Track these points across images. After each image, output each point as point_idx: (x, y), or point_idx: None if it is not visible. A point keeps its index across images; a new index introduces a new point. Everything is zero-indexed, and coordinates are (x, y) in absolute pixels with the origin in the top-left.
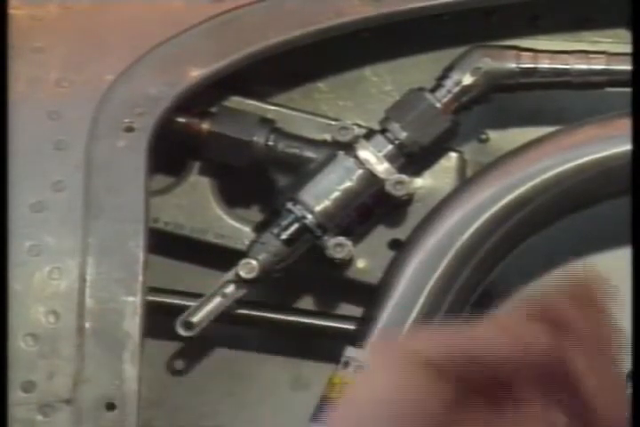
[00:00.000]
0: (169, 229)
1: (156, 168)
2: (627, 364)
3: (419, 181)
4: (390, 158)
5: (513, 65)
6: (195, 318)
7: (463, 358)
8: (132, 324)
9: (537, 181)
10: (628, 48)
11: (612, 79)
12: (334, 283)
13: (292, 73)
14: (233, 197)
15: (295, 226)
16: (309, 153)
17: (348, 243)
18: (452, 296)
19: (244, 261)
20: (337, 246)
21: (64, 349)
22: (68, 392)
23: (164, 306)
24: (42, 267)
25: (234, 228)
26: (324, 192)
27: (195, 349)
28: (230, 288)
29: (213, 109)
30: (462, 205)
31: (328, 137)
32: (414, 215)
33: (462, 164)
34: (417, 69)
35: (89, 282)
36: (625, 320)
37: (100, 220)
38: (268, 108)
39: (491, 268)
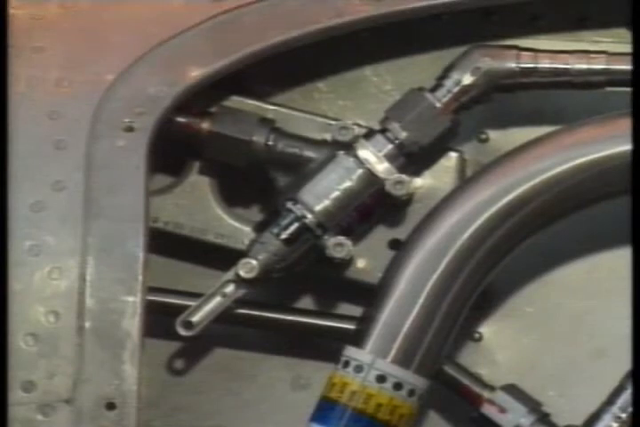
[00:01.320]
0: (169, 228)
1: (155, 168)
2: (627, 364)
3: (419, 181)
4: (390, 158)
5: (513, 65)
6: (195, 318)
7: None
8: (132, 324)
9: (537, 181)
10: (628, 48)
11: (611, 79)
12: (334, 283)
13: (291, 73)
14: (233, 197)
15: (295, 225)
16: (309, 153)
17: (348, 242)
18: (452, 296)
19: (243, 260)
20: (337, 246)
21: (64, 349)
22: (68, 392)
23: (164, 306)
24: (42, 267)
25: (234, 228)
26: (324, 192)
27: (194, 348)
28: (230, 288)
29: (213, 109)
30: (462, 205)
31: (328, 137)
32: (414, 215)
33: (462, 164)
34: (417, 69)
35: (89, 282)
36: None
37: (99, 219)
38: (268, 108)
39: (491, 268)
